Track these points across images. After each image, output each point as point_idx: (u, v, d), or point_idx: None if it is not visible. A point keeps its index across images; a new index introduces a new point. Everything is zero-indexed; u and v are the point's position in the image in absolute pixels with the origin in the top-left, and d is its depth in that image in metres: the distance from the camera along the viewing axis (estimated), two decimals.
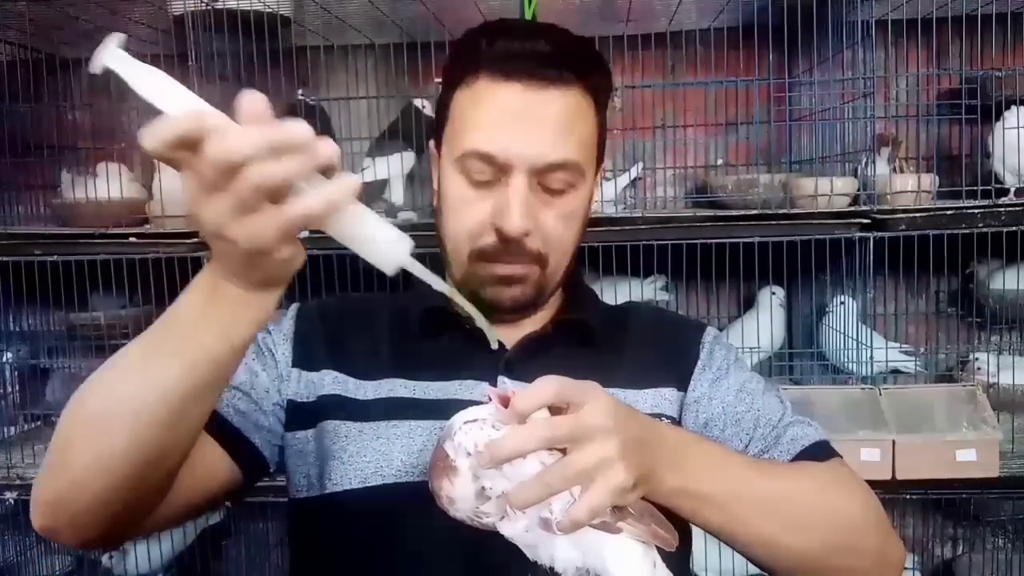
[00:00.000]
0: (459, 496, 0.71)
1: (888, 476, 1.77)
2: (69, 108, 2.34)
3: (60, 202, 2.14)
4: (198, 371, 0.66)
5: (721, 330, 2.34)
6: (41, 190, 2.31)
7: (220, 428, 0.87)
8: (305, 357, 0.96)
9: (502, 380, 0.85)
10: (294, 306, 1.01)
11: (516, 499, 0.66)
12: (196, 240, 1.91)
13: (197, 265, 1.89)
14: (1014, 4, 2.07)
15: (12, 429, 2.22)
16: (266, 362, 0.95)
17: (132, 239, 1.94)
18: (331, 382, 0.94)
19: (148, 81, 0.59)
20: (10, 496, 2.01)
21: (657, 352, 0.98)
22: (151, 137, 0.56)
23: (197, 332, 0.65)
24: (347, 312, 1.02)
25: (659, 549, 0.74)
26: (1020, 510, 2.24)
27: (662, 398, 0.95)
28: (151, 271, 1.93)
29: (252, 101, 0.56)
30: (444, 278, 0.78)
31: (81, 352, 2.21)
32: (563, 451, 0.68)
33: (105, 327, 2.06)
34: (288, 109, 2.01)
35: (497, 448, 0.66)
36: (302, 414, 0.93)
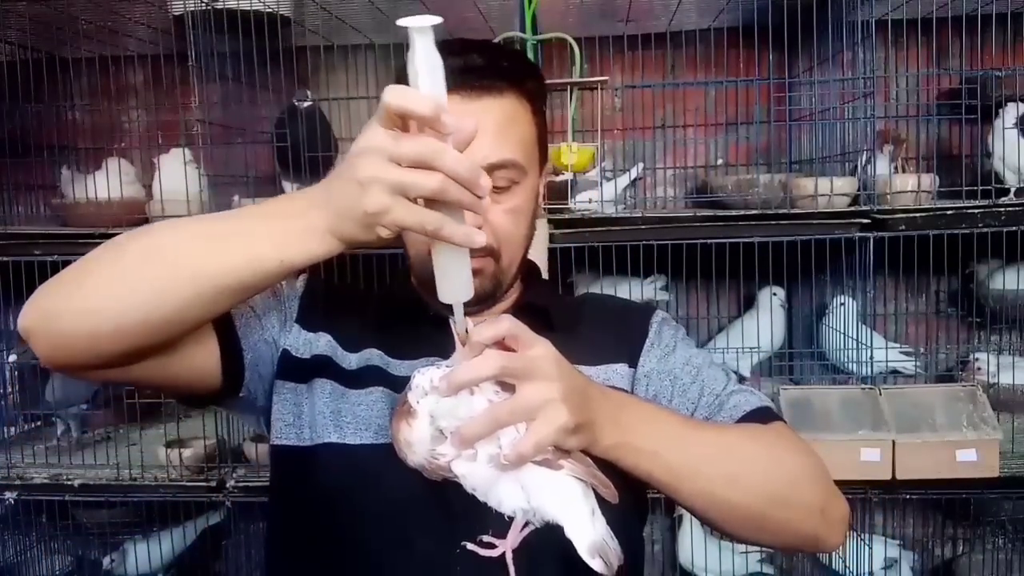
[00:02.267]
0: (416, 439, 0.77)
1: (888, 476, 1.77)
2: (69, 108, 2.35)
3: (60, 202, 2.14)
4: (250, 270, 0.76)
5: (721, 330, 2.38)
6: (41, 190, 2.31)
7: (224, 327, 0.94)
8: (307, 317, 1.04)
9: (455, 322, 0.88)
10: (304, 275, 1.10)
11: (466, 432, 0.73)
12: None
13: None
14: (1014, 4, 2.07)
15: (12, 429, 2.22)
16: (280, 307, 1.04)
17: None
18: (324, 344, 1.01)
19: (427, 60, 0.69)
20: (10, 496, 2.01)
21: (610, 333, 1.05)
22: (398, 97, 0.68)
23: (268, 239, 0.74)
24: (347, 292, 1.15)
25: (608, 508, 0.79)
26: (1020, 510, 2.23)
27: (614, 372, 1.01)
28: None
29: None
30: (410, 278, 1.02)
31: None
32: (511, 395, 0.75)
33: None
34: (289, 113, 2.02)
35: (454, 375, 0.73)
36: (296, 367, 1.00)
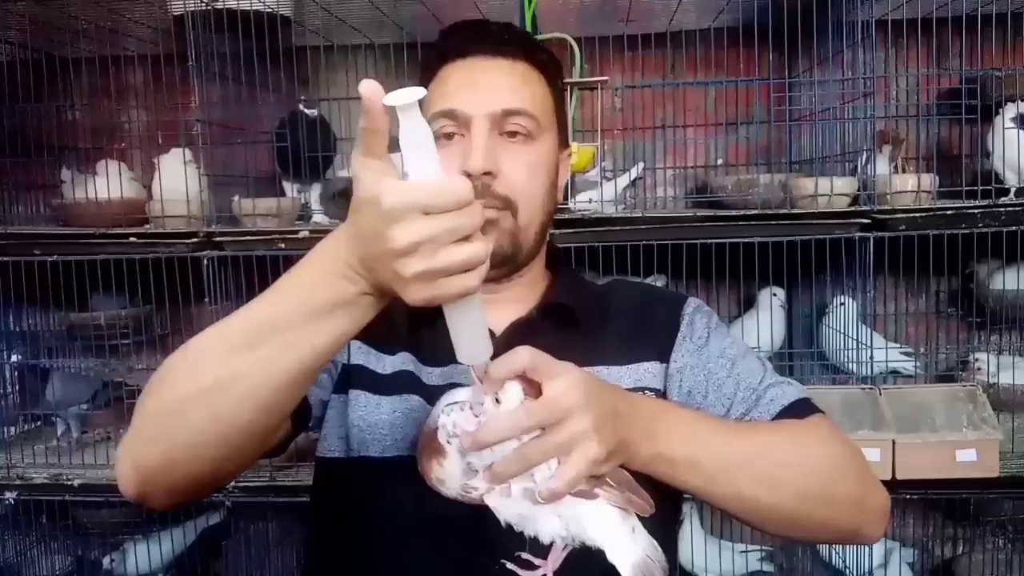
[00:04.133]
0: (448, 475, 0.77)
1: (888, 476, 1.77)
2: (69, 108, 2.34)
3: (60, 202, 2.14)
4: (318, 353, 0.73)
5: None
6: (41, 190, 2.31)
7: None
8: None
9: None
10: None
11: (498, 471, 0.74)
12: (196, 240, 1.91)
13: (197, 265, 1.89)
14: (1014, 4, 2.07)
15: (12, 429, 2.22)
16: None
17: (132, 239, 1.94)
18: (356, 351, 1.00)
19: (416, 138, 0.65)
20: (10, 496, 2.01)
21: (639, 328, 1.03)
22: (394, 196, 0.63)
23: (321, 320, 0.71)
24: None
25: (645, 518, 0.80)
26: (1020, 510, 2.23)
27: (645, 372, 0.99)
28: (151, 271, 1.93)
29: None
30: None
31: (81, 352, 2.21)
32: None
33: (105, 327, 2.06)
34: (290, 118, 2.02)
35: (479, 436, 0.73)
36: (340, 379, 1.00)
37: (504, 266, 0.98)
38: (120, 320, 2.11)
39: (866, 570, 2.00)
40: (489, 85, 0.96)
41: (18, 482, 2.01)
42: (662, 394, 0.99)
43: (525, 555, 0.82)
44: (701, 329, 1.03)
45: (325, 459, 0.99)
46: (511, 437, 0.73)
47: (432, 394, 0.94)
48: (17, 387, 2.25)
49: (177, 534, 2.25)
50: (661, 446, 0.81)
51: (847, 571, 2.06)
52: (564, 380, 0.74)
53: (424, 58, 1.05)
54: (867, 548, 2.02)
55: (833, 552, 2.15)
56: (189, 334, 0.81)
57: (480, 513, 0.80)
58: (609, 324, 1.02)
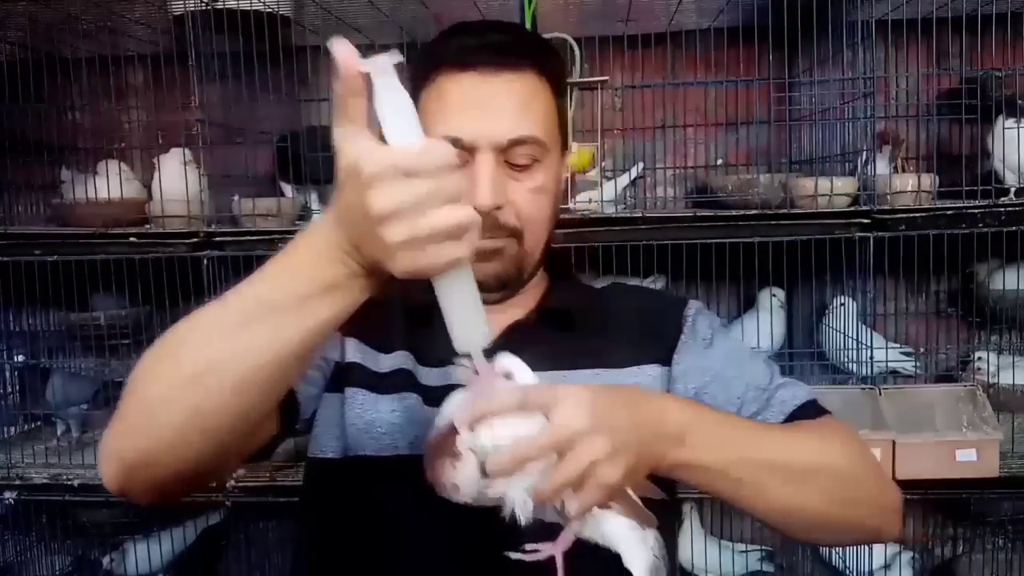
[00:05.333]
0: (463, 480, 0.74)
1: (888, 476, 1.77)
2: (69, 108, 2.34)
3: (60, 202, 2.14)
4: (308, 338, 0.69)
5: None
6: (41, 190, 2.31)
7: None
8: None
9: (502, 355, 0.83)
10: None
11: (517, 508, 0.72)
12: (195, 240, 1.91)
13: (197, 265, 1.89)
14: (1014, 4, 2.07)
15: (12, 429, 2.22)
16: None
17: (132, 239, 1.94)
18: (353, 350, 0.98)
19: (394, 103, 0.64)
20: (10, 496, 2.01)
21: (639, 330, 1.01)
22: (374, 161, 0.62)
23: (311, 303, 0.68)
24: None
25: (663, 527, 0.80)
26: (1020, 510, 2.23)
27: (645, 375, 0.98)
28: (151, 271, 1.93)
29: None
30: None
31: (81, 352, 2.21)
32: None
33: (105, 327, 2.06)
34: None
35: (492, 465, 0.71)
36: (335, 377, 0.97)
37: (506, 289, 0.98)
38: (120, 320, 2.11)
39: (866, 570, 2.00)
40: (495, 109, 0.92)
41: (18, 482, 2.00)
42: None
43: (531, 546, 0.81)
44: (704, 331, 1.02)
45: (318, 459, 0.97)
46: (518, 469, 0.71)
47: (430, 394, 0.93)
48: (17, 387, 2.25)
49: (177, 534, 2.26)
50: (691, 453, 0.78)
51: (847, 571, 2.06)
52: (568, 405, 0.71)
53: (420, 59, 1.00)
54: (868, 550, 2.02)
55: (833, 552, 2.15)
56: None
57: (484, 511, 0.78)
58: (608, 327, 1.01)
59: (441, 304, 0.70)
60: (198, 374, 0.69)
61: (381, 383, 0.96)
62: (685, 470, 0.79)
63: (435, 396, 0.84)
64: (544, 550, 0.79)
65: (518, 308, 1.01)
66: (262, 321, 0.68)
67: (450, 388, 0.87)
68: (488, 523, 0.79)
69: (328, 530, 0.95)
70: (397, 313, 1.00)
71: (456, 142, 0.90)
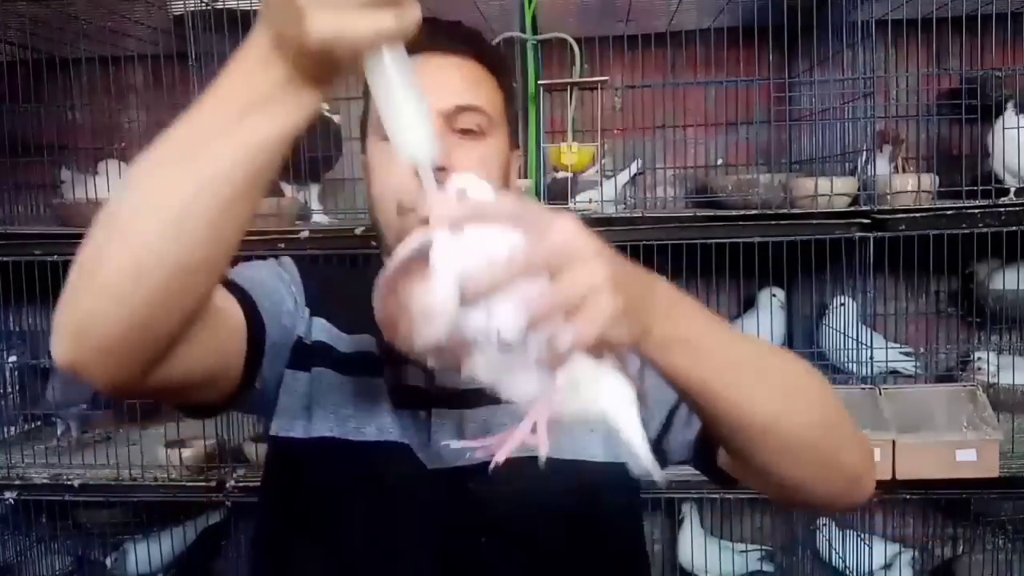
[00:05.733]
0: (438, 303, 0.61)
1: (888, 476, 1.77)
2: (69, 108, 2.34)
3: (60, 202, 2.14)
4: (249, 155, 0.64)
5: None
6: (41, 190, 2.31)
7: (243, 299, 0.87)
8: (309, 300, 0.99)
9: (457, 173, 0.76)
10: (286, 257, 1.04)
11: (504, 330, 0.61)
12: None
13: None
14: (1014, 4, 2.07)
15: (12, 429, 2.22)
16: (292, 293, 0.97)
17: None
18: (320, 328, 0.98)
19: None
20: (10, 496, 2.01)
21: None
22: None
23: (249, 115, 0.62)
24: (338, 272, 1.10)
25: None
26: (1020, 510, 2.23)
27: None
28: None
29: None
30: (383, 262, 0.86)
31: None
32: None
33: None
34: None
35: (476, 279, 0.61)
36: (303, 354, 0.96)
37: None
38: None
39: (866, 570, 2.01)
40: (441, 82, 0.94)
41: (18, 482, 2.01)
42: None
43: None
44: None
45: (283, 438, 0.94)
46: (504, 284, 0.60)
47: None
48: (17, 387, 2.24)
49: (177, 534, 2.25)
50: (678, 329, 0.69)
51: (847, 571, 2.06)
52: (567, 227, 0.62)
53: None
54: (868, 551, 2.02)
55: (833, 552, 2.15)
56: None
57: (456, 490, 0.77)
58: None
59: (376, 97, 0.62)
60: (133, 211, 0.65)
61: (346, 364, 0.95)
62: (673, 348, 0.69)
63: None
64: (513, 429, 0.66)
65: None
66: (203, 148, 0.63)
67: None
68: (455, 508, 0.80)
69: (290, 511, 0.94)
70: (364, 299, 0.99)
71: None
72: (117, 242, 0.65)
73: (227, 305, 0.83)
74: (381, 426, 0.91)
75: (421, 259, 0.63)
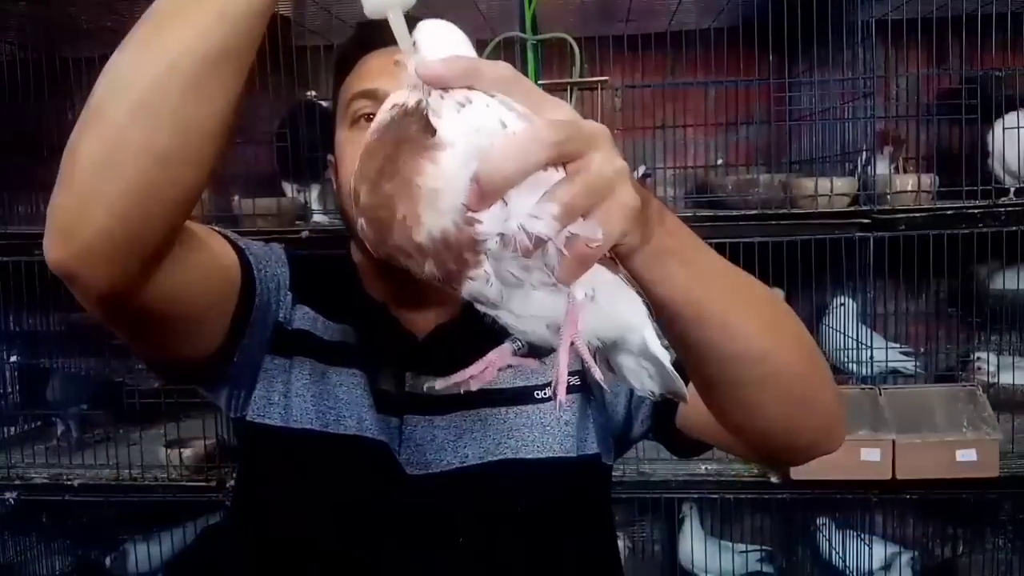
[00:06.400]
0: (447, 180, 0.49)
1: (888, 476, 1.77)
2: (69, 108, 2.34)
3: None
4: (215, 26, 0.63)
5: None
6: (41, 190, 2.31)
7: (241, 255, 0.86)
8: (294, 287, 0.97)
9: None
10: (275, 243, 1.02)
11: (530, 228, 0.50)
12: None
13: None
14: (1014, 4, 2.07)
15: (12, 429, 2.22)
16: (278, 275, 0.95)
17: None
18: (303, 316, 0.95)
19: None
20: (10, 496, 2.01)
21: None
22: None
23: None
24: (324, 260, 1.06)
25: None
26: (1020, 510, 2.23)
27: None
28: None
29: None
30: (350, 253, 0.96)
31: (81, 352, 2.21)
32: None
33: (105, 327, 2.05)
34: (293, 108, 2.02)
35: (489, 176, 0.48)
36: (285, 340, 0.93)
37: (424, 292, 0.93)
38: None
39: (866, 570, 2.01)
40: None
41: (18, 482, 2.01)
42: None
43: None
44: None
45: (259, 424, 0.91)
46: (534, 166, 0.48)
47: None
48: (17, 387, 2.25)
49: (177, 534, 2.25)
50: (676, 241, 0.62)
51: (847, 571, 2.06)
52: (562, 102, 0.54)
53: (342, 51, 1.02)
54: (868, 551, 2.02)
55: (833, 552, 2.15)
56: None
57: (432, 498, 0.76)
58: None
59: None
60: (115, 85, 0.65)
61: (328, 353, 0.93)
62: (665, 263, 0.61)
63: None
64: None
65: (445, 307, 0.95)
66: (170, 20, 0.64)
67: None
68: (433, 510, 0.79)
69: (267, 501, 0.92)
70: (347, 290, 0.98)
71: (373, 93, 0.91)
72: (90, 130, 0.65)
73: (222, 248, 0.83)
74: (361, 420, 0.89)
75: (412, 131, 0.52)
